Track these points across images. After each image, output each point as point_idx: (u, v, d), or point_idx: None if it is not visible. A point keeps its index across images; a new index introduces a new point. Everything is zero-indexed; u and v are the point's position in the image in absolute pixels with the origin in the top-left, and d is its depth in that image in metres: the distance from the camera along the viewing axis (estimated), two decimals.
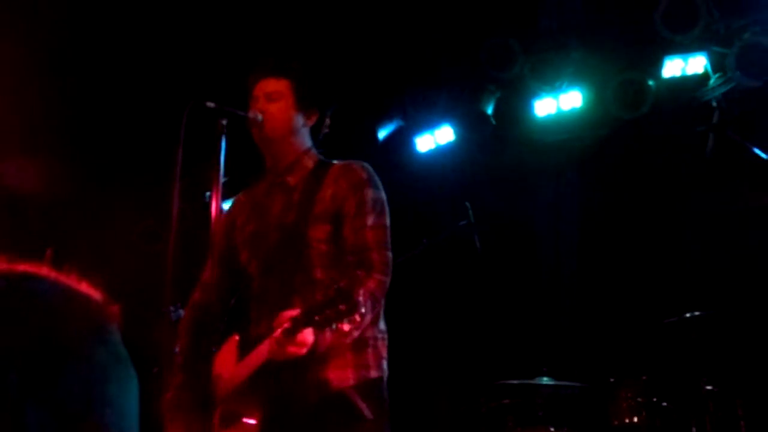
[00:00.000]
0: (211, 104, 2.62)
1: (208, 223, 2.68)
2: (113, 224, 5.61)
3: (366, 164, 2.79)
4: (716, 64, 5.40)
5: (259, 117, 2.73)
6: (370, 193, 2.69)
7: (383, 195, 2.74)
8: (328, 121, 2.95)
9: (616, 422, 4.61)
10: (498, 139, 6.28)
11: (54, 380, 0.67)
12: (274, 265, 2.71)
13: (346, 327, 2.17)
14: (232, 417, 2.55)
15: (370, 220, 2.65)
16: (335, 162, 2.81)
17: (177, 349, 2.86)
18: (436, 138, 6.42)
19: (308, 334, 2.28)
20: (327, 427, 2.54)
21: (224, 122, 2.64)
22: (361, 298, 2.14)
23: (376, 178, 2.76)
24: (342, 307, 2.13)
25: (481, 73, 6.01)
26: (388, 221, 2.71)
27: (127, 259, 5.33)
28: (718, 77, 5.39)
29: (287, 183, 2.79)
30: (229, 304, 2.96)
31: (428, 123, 6.41)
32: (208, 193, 2.80)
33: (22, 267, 0.74)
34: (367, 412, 2.54)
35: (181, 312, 5.88)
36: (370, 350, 2.63)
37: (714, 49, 5.39)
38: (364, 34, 5.76)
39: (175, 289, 2.87)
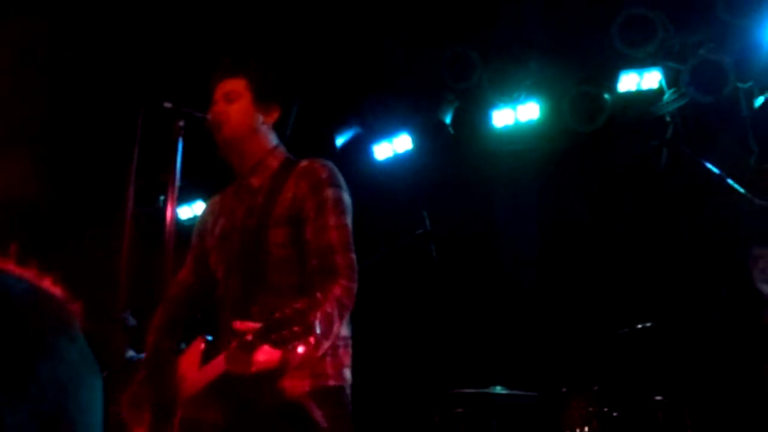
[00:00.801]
0: (168, 104, 2.57)
1: (162, 228, 2.63)
2: (68, 226, 5.49)
3: (328, 163, 2.71)
4: (671, 79, 5.51)
5: (218, 118, 2.68)
6: (330, 193, 2.61)
7: (345, 194, 2.67)
8: (291, 117, 2.90)
9: None
10: (456, 149, 6.31)
11: (27, 379, 0.66)
12: (236, 270, 2.65)
13: (300, 349, 2.11)
14: (190, 424, 2.50)
15: (332, 220, 2.58)
16: (302, 161, 2.74)
17: (146, 344, 2.80)
18: (394, 146, 6.42)
19: (264, 352, 2.21)
20: None
21: (181, 123, 2.59)
22: (316, 321, 2.08)
23: (338, 176, 2.68)
24: (297, 329, 2.07)
25: (440, 82, 6.03)
26: (349, 221, 2.63)
27: (81, 263, 5.21)
28: (673, 92, 5.50)
29: (251, 185, 2.74)
30: (200, 306, 2.90)
31: (386, 131, 6.41)
32: (162, 197, 2.74)
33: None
34: (321, 420, 2.48)
35: (132, 319, 5.79)
36: (328, 359, 2.55)
37: (669, 65, 5.50)
38: (324, 39, 5.75)
39: (127, 295, 2.82)
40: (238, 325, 2.20)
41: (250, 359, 2.21)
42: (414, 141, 6.32)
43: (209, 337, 2.65)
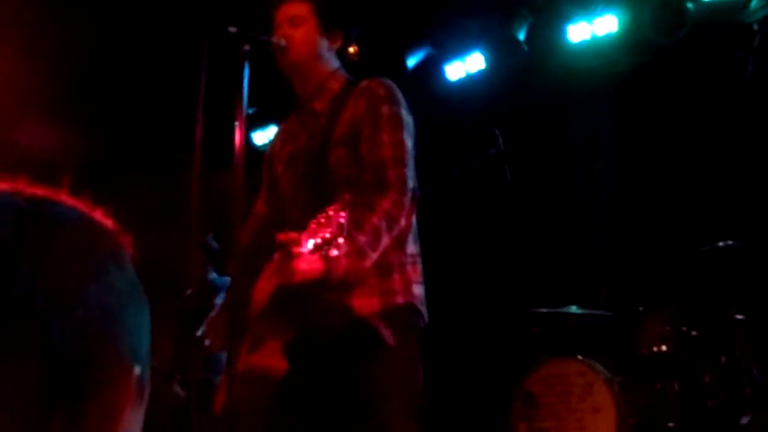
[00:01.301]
0: (233, 29, 2.58)
1: (232, 153, 2.67)
2: (140, 158, 5.64)
3: (387, 81, 2.69)
4: None
5: (283, 42, 2.68)
6: (386, 109, 2.60)
7: (403, 111, 2.64)
8: (354, 49, 2.90)
9: (644, 351, 4.61)
10: (530, 66, 6.15)
11: (75, 300, 0.69)
12: (301, 192, 2.70)
13: (333, 252, 2.09)
14: (258, 341, 2.57)
15: (386, 137, 2.57)
16: (363, 81, 2.73)
17: (231, 271, 2.89)
18: (466, 65, 6.31)
19: (305, 260, 2.20)
20: (349, 354, 2.53)
21: (247, 48, 2.60)
22: (342, 221, 2.07)
23: (397, 94, 2.66)
24: (328, 234, 2.06)
25: None
26: (406, 137, 2.61)
27: (156, 193, 5.38)
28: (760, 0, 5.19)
29: (314, 109, 2.76)
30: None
31: (458, 50, 6.29)
32: (235, 123, 2.78)
33: (43, 190, 0.75)
34: (390, 339, 2.51)
35: (215, 243, 5.96)
36: (396, 275, 2.57)
37: None
38: None
39: (205, 219, 2.90)
40: (281, 236, 2.20)
41: (291, 268, 2.21)
42: (487, 59, 6.19)
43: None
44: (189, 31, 3.13)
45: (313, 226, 2.11)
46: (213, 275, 6.02)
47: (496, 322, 5.86)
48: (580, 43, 5.83)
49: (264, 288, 2.48)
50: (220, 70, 2.58)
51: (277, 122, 6.96)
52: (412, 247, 2.67)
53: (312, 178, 2.66)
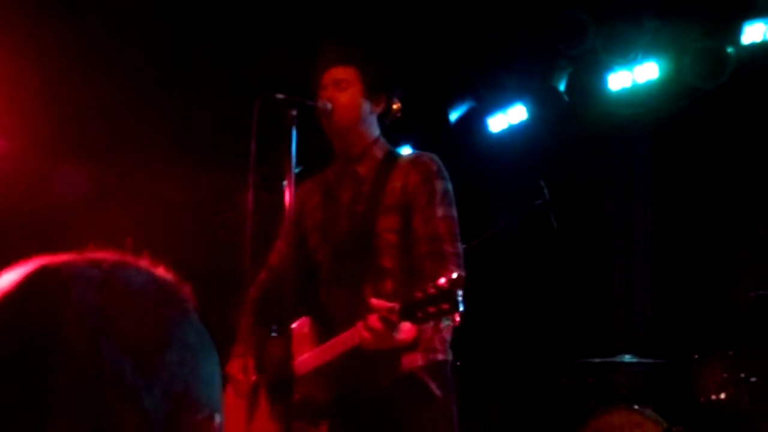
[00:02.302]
0: (280, 96, 2.68)
1: (283, 212, 2.75)
2: (193, 216, 5.79)
3: (435, 156, 2.82)
4: None
5: (329, 106, 2.77)
6: (440, 185, 2.73)
7: (451, 187, 2.78)
8: (397, 105, 2.97)
9: (702, 399, 4.52)
10: (572, 116, 6.19)
11: (159, 365, 0.73)
12: (344, 252, 2.77)
13: (442, 324, 2.28)
14: (304, 402, 2.62)
15: (440, 212, 2.69)
16: (404, 154, 2.87)
17: (239, 326, 2.95)
18: (508, 117, 6.37)
19: (405, 330, 2.37)
20: (400, 407, 2.60)
21: (294, 113, 2.70)
22: (460, 298, 2.21)
23: (444, 169, 2.79)
24: (445, 306, 2.20)
25: (552, 49, 5.92)
26: (455, 213, 2.74)
27: (208, 249, 5.50)
28: None
29: (357, 173, 2.84)
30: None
31: (500, 102, 6.36)
32: (284, 183, 2.87)
33: (112, 256, 0.79)
34: (437, 392, 2.61)
35: None
36: (437, 335, 2.67)
37: None
38: (431, 14, 5.75)
39: (252, 275, 2.97)
40: (376, 302, 2.35)
41: (392, 335, 2.35)
42: (528, 111, 6.25)
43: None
44: (239, 95, 3.26)
45: (419, 295, 2.26)
46: None
47: (549, 373, 5.80)
48: (620, 91, 5.86)
49: (328, 349, 2.55)
50: (267, 132, 2.68)
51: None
52: None
53: (355, 240, 2.75)
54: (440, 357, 2.69)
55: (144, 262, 0.80)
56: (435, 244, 2.64)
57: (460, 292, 2.21)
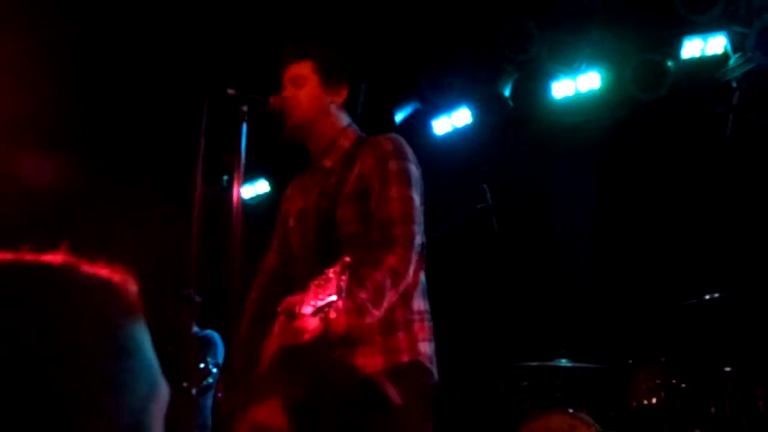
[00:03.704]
0: (231, 91, 2.63)
1: (226, 206, 2.70)
2: (133, 212, 5.67)
3: (394, 136, 2.71)
4: (736, 44, 5.35)
5: (287, 104, 2.71)
6: (394, 165, 2.60)
7: (411, 166, 2.64)
8: (361, 94, 2.90)
9: (634, 404, 4.63)
10: (516, 121, 6.27)
11: (119, 365, 0.76)
12: (311, 249, 2.70)
13: (332, 314, 2.08)
14: (261, 398, 2.56)
15: (394, 192, 2.56)
16: (371, 137, 2.74)
17: (240, 328, 2.88)
18: (453, 120, 6.41)
19: (305, 321, 2.20)
20: (354, 413, 2.49)
21: (245, 108, 2.65)
22: (342, 284, 2.05)
23: (405, 148, 2.66)
24: (330, 292, 2.05)
25: (499, 55, 5.98)
26: (414, 193, 2.60)
27: (150, 243, 5.38)
28: (738, 57, 5.35)
29: (324, 166, 2.77)
30: (288, 286, 2.97)
31: (445, 105, 6.40)
32: (225, 177, 2.81)
33: (62, 257, 0.81)
34: (395, 398, 2.47)
35: (197, 296, 5.94)
36: (401, 333, 2.54)
37: (734, 29, 5.35)
38: (379, 16, 5.75)
39: (196, 273, 2.91)
40: (287, 300, 2.24)
41: (292, 329, 2.22)
42: (473, 115, 6.30)
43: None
44: (190, 91, 3.19)
45: (313, 287, 2.12)
46: (195, 328, 6.00)
47: (486, 376, 5.85)
48: (563, 99, 5.96)
49: (270, 348, 2.49)
50: (216, 126, 2.63)
51: (266, 176, 7.02)
52: (419, 304, 2.64)
53: (320, 235, 2.67)
54: (404, 358, 2.52)
55: (91, 265, 0.82)
56: (386, 229, 2.51)
57: (343, 278, 2.04)
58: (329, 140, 2.78)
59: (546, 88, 6.01)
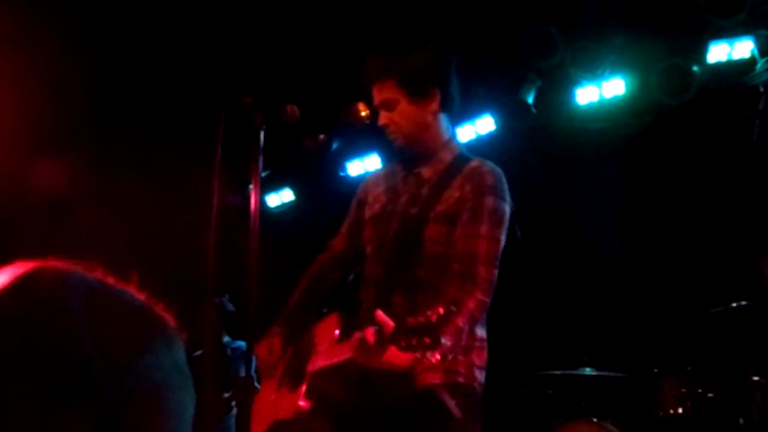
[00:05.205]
0: (248, 99, 2.65)
1: (248, 215, 2.72)
2: (155, 219, 5.73)
3: (497, 170, 2.68)
4: (763, 47, 5.28)
5: (388, 130, 2.72)
6: (490, 201, 2.58)
7: (505, 206, 2.62)
8: (366, 110, 2.91)
9: (660, 413, 4.57)
10: (540, 128, 6.24)
11: (128, 369, 0.78)
12: (387, 254, 2.68)
13: (425, 360, 2.15)
14: (317, 395, 2.55)
15: (484, 230, 2.54)
16: (473, 160, 2.72)
17: (289, 302, 2.87)
18: (476, 128, 6.39)
19: (392, 354, 2.23)
20: (415, 422, 2.49)
21: (262, 117, 2.67)
22: (445, 339, 2.10)
23: (503, 185, 2.64)
24: (427, 340, 2.09)
25: (522, 62, 5.96)
26: (502, 234, 2.58)
27: (170, 252, 5.44)
28: (766, 61, 5.28)
29: (421, 175, 2.74)
30: (348, 273, 2.96)
31: (468, 113, 6.38)
32: (249, 186, 2.83)
33: (112, 278, 0.86)
34: (455, 411, 2.48)
35: (230, 305, 5.96)
36: (460, 357, 2.54)
37: (761, 33, 5.28)
38: (399, 25, 5.76)
39: (220, 281, 2.93)
40: (380, 316, 2.22)
41: (379, 355, 2.25)
42: (496, 122, 6.28)
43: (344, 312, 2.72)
44: (208, 99, 3.22)
45: (410, 322, 2.13)
46: (226, 338, 6.02)
47: (510, 384, 5.81)
48: (587, 105, 5.93)
49: (337, 350, 2.49)
50: (234, 136, 2.65)
51: (291, 185, 7.04)
52: (482, 332, 2.67)
53: (400, 245, 2.65)
54: (460, 380, 2.55)
55: (144, 295, 0.87)
56: (468, 265, 2.49)
57: (447, 330, 2.09)
58: (430, 150, 2.75)
59: (570, 95, 5.98)
